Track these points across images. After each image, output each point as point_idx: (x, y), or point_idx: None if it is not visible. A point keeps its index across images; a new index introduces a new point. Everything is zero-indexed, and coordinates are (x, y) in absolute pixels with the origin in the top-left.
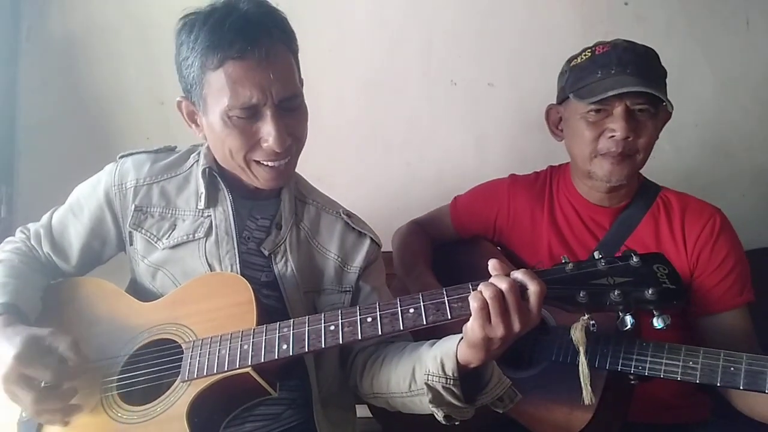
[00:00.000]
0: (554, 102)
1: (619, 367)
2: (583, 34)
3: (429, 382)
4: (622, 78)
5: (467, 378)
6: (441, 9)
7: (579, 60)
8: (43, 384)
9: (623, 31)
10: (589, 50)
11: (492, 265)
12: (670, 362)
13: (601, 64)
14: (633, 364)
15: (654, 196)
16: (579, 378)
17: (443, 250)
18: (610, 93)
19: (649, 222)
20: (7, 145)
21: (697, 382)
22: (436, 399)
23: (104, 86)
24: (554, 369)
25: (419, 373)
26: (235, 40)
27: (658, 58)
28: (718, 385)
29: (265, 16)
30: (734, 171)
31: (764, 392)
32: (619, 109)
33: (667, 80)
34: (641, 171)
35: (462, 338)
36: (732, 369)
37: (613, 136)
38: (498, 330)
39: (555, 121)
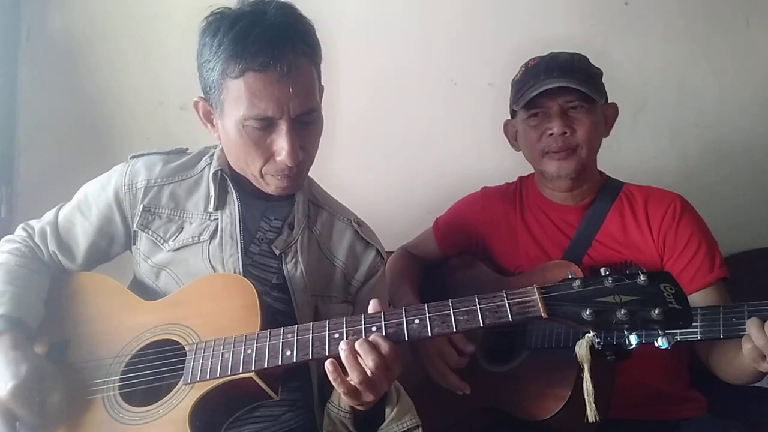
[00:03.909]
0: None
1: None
2: (583, 34)
3: (327, 409)
4: (548, 81)
5: (371, 410)
6: (441, 9)
7: (517, 76)
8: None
9: (623, 31)
10: (524, 65)
11: (371, 305)
12: None
13: (532, 74)
14: (602, 334)
15: (617, 191)
16: (583, 395)
17: (432, 267)
18: (535, 92)
19: (615, 215)
20: (7, 145)
21: (662, 338)
22: (330, 425)
23: (104, 86)
24: (534, 357)
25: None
26: (258, 53)
27: (587, 60)
28: (678, 339)
29: (292, 28)
30: (734, 171)
31: (720, 338)
32: (553, 109)
33: (667, 80)
34: (621, 171)
35: None
36: (694, 325)
37: (551, 134)
38: (354, 376)
39: (512, 134)
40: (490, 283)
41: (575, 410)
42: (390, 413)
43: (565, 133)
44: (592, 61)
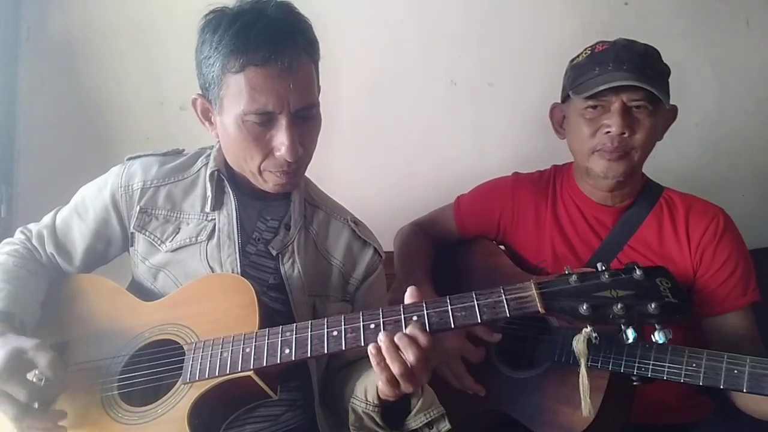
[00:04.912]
0: (557, 101)
1: (622, 369)
2: (583, 34)
3: (352, 405)
4: (617, 74)
5: (397, 402)
6: (441, 9)
7: (579, 59)
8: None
9: (623, 31)
10: (590, 48)
11: (409, 293)
12: (673, 364)
13: (599, 61)
14: (636, 365)
15: (657, 196)
16: (579, 389)
17: (444, 249)
18: (603, 87)
19: (652, 222)
20: (7, 145)
21: (701, 384)
22: (357, 422)
23: (104, 86)
24: (556, 369)
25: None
26: (259, 48)
27: (659, 56)
28: (722, 387)
29: (292, 25)
30: (734, 171)
31: (766, 395)
32: (615, 105)
33: (667, 80)
34: (645, 172)
35: None
36: (735, 372)
37: (608, 132)
38: (395, 368)
39: (558, 120)
40: (513, 278)
41: None
42: (416, 404)
43: (624, 133)
44: None
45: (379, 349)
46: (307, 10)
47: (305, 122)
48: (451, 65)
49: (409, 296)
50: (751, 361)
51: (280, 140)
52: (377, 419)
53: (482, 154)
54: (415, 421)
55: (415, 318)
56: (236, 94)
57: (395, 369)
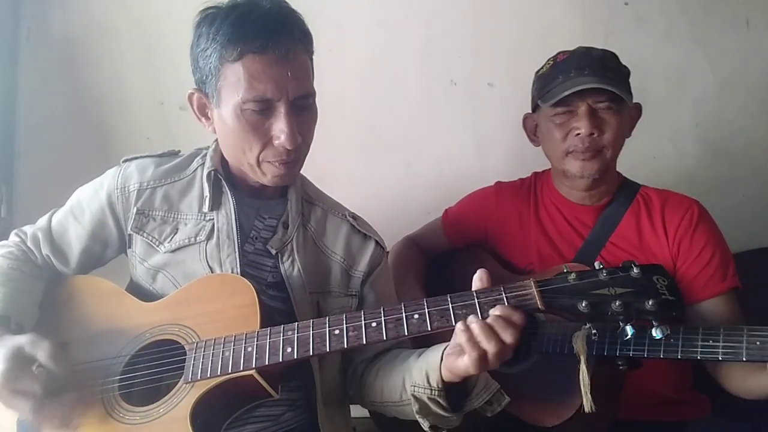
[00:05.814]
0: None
1: (605, 352)
2: (583, 34)
3: (415, 393)
4: (579, 79)
5: (454, 385)
6: (440, 9)
7: (543, 69)
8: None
9: (623, 31)
10: (552, 59)
11: (478, 276)
12: (652, 341)
13: (562, 69)
14: (618, 347)
15: (634, 193)
16: (579, 386)
17: (435, 259)
18: (568, 92)
19: (631, 218)
20: (7, 145)
21: (679, 357)
22: (423, 409)
23: (104, 86)
24: (545, 360)
25: (408, 384)
26: (257, 35)
27: (618, 59)
28: (699, 358)
29: (287, 17)
30: (734, 171)
31: (742, 361)
32: (582, 108)
33: (668, 81)
34: (622, 171)
35: (446, 348)
36: (711, 342)
37: (578, 134)
38: (491, 347)
39: (531, 129)
40: (500, 281)
41: (584, 420)
42: (474, 382)
43: (593, 134)
44: None
45: (471, 330)
46: (307, 10)
47: (303, 112)
48: (451, 65)
49: (478, 279)
50: (725, 329)
51: (279, 128)
52: (443, 403)
53: (482, 154)
54: (477, 400)
55: (416, 316)
56: (234, 84)
57: (491, 348)
